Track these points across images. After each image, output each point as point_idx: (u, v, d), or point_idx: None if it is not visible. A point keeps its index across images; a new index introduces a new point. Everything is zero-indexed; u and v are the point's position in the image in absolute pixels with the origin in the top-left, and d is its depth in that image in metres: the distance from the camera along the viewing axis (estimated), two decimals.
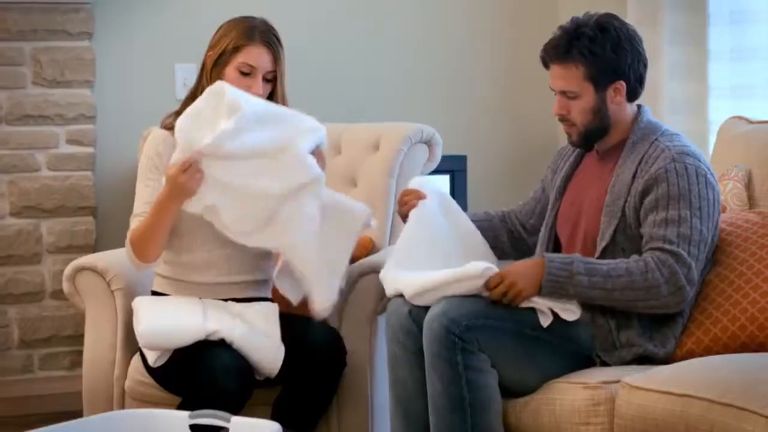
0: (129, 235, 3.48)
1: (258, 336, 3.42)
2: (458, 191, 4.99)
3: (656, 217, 3.25)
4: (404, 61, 5.14)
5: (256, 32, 3.55)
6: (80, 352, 4.68)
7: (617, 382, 3.10)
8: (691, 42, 4.69)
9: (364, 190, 4.16)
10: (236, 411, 3.21)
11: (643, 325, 3.28)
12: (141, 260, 3.48)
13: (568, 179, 3.55)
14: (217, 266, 3.56)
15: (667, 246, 3.21)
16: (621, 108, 3.39)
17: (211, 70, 3.56)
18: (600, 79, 3.34)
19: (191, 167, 3.33)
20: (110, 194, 4.78)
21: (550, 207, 3.55)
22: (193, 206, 3.40)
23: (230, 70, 3.53)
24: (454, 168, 4.92)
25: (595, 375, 3.17)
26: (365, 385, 3.69)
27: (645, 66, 3.39)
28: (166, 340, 3.42)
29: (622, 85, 3.35)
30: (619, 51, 3.32)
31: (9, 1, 4.57)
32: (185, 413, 2.98)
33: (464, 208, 5.01)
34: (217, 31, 3.62)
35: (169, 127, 3.57)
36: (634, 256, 3.25)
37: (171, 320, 3.42)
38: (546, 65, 3.41)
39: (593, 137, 3.42)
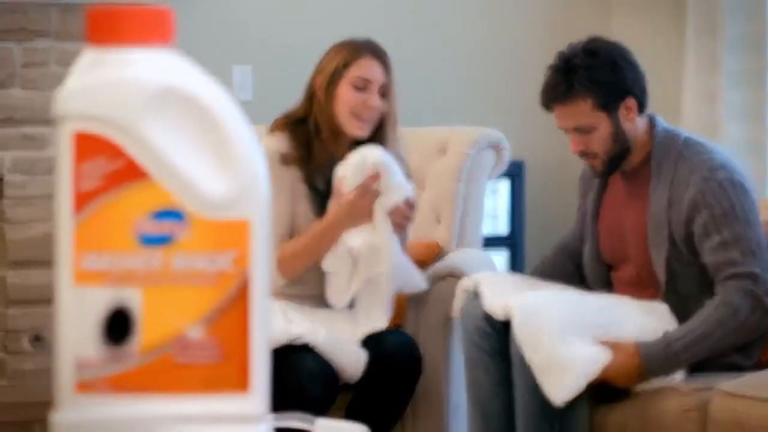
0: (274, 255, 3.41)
1: (340, 341, 3.39)
2: (516, 197, 4.97)
3: (712, 243, 3.18)
4: (461, 65, 5.12)
5: (364, 46, 3.50)
6: None
7: (710, 389, 3.07)
8: (752, 49, 4.67)
9: (432, 194, 4.12)
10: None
11: None
12: (286, 277, 3.45)
13: (598, 204, 3.48)
14: (307, 282, 3.50)
15: (739, 270, 3.16)
16: (636, 124, 3.31)
17: (325, 94, 3.46)
18: (610, 104, 3.27)
19: (371, 191, 3.31)
20: None
21: (589, 237, 3.47)
22: (354, 239, 3.35)
23: (343, 87, 3.45)
24: (512, 173, 4.89)
25: (686, 382, 3.15)
26: (440, 388, 3.65)
27: (643, 75, 3.33)
28: None
29: (632, 101, 3.29)
30: (617, 69, 3.27)
31: (69, 3, 4.56)
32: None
33: (522, 214, 5.01)
34: (323, 57, 3.54)
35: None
36: (716, 299, 3.17)
37: None
38: (548, 108, 3.35)
39: (617, 162, 3.34)
